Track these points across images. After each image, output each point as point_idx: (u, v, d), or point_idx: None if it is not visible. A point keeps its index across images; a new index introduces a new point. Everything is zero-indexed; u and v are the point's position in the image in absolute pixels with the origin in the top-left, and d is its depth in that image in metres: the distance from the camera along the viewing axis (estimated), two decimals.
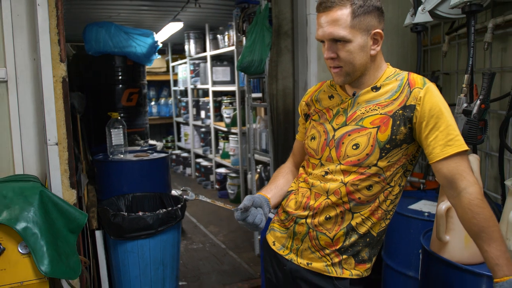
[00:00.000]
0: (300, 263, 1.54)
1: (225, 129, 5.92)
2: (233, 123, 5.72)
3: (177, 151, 7.87)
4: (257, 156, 4.18)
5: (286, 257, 1.58)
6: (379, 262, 2.45)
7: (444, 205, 1.69)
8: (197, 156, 7.13)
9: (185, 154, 7.53)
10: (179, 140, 8.05)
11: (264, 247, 1.72)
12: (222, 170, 6.11)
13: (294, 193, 1.61)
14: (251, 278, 3.44)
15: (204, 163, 6.74)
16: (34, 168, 2.54)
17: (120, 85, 4.51)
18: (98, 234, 2.92)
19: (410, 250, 2.23)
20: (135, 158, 3.52)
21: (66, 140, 2.55)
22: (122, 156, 3.58)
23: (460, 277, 1.62)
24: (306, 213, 1.52)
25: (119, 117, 3.64)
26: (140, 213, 2.88)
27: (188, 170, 7.33)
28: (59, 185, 2.48)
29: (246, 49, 3.55)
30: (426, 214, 2.23)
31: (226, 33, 5.64)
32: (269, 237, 1.68)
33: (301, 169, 1.65)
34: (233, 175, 5.67)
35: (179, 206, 2.97)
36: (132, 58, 4.55)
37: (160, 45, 4.74)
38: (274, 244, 1.64)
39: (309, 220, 1.51)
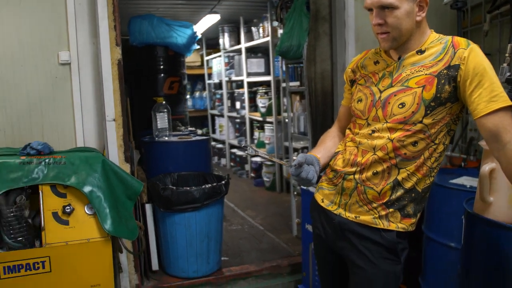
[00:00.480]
0: (348, 216, 1.67)
1: (260, 119, 6.07)
2: (268, 112, 5.86)
3: (212, 143, 8.07)
4: (293, 144, 4.31)
5: (335, 212, 1.71)
6: (419, 239, 2.55)
7: (488, 166, 1.74)
8: (232, 146, 7.31)
9: (219, 145, 7.71)
10: (213, 132, 8.24)
11: (312, 206, 1.86)
12: (257, 158, 6.26)
13: (341, 153, 1.74)
14: (290, 255, 3.57)
15: (239, 153, 6.91)
16: (93, 143, 2.75)
17: (162, 74, 4.73)
18: (148, 207, 3.12)
19: (451, 221, 2.27)
20: (180, 140, 3.71)
21: (121, 117, 2.77)
22: (166, 138, 3.77)
23: (506, 236, 1.66)
24: (354, 169, 1.64)
25: (163, 102, 3.84)
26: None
27: (223, 161, 7.52)
28: (116, 159, 2.69)
29: (285, 35, 3.69)
30: (468, 186, 2.27)
31: (261, 24, 5.79)
32: (317, 196, 1.81)
33: (347, 130, 1.78)
34: (269, 163, 5.81)
35: (223, 182, 3.14)
36: (173, 48, 4.76)
37: (199, 36, 4.94)
38: (322, 201, 1.77)
39: (357, 176, 1.64)
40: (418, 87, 1.52)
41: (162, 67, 4.73)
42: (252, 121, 6.54)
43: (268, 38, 5.46)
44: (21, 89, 2.61)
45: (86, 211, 2.22)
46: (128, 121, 3.77)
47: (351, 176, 1.65)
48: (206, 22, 6.18)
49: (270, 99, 5.84)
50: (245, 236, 4.13)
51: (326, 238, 1.76)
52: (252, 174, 6.35)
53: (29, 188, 2.17)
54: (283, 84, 4.85)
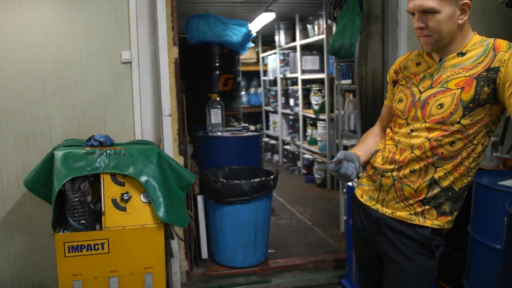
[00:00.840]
0: (385, 212, 1.72)
1: (313, 116, 6.12)
2: (321, 109, 5.91)
3: (266, 139, 8.20)
4: (344, 142, 4.35)
5: (373, 207, 1.77)
6: (464, 240, 2.53)
7: None
8: (285, 143, 7.41)
9: (273, 141, 7.83)
10: (267, 128, 8.38)
11: (352, 201, 1.93)
12: (309, 155, 6.31)
13: (381, 151, 1.79)
14: (336, 251, 3.63)
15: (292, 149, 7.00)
16: (150, 136, 2.95)
17: (217, 71, 4.90)
18: (200, 198, 3.29)
19: (497, 223, 2.24)
20: (232, 135, 3.86)
21: (176, 112, 2.94)
22: (220, 133, 3.93)
23: None
24: (392, 166, 1.70)
25: (218, 98, 4.00)
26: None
27: (276, 157, 7.63)
28: (170, 152, 2.87)
29: (337, 34, 3.73)
30: None
31: (316, 22, 5.83)
32: (357, 191, 1.88)
33: (388, 129, 1.83)
34: (320, 160, 5.85)
35: (272, 177, 3.25)
36: (228, 46, 4.92)
37: (254, 34, 5.06)
38: (362, 197, 1.84)
39: (394, 173, 1.69)
40: (457, 89, 1.55)
41: (217, 64, 4.91)
42: (305, 118, 6.60)
43: (323, 36, 5.50)
44: (87, 86, 2.85)
45: (142, 199, 2.40)
46: (183, 117, 3.97)
47: (389, 173, 1.70)
48: (262, 20, 6.30)
49: (323, 96, 5.88)
50: (292, 230, 4.22)
51: (364, 232, 1.83)
52: (304, 171, 6.42)
53: (92, 176, 2.38)
54: (336, 82, 4.89)
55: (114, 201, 2.36)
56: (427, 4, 1.53)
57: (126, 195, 2.36)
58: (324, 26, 5.38)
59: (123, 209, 2.36)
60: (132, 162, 2.42)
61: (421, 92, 1.66)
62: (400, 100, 1.74)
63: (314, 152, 1.79)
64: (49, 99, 2.81)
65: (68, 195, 2.27)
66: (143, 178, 2.39)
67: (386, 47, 3.35)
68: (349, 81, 4.14)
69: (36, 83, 2.79)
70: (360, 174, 1.87)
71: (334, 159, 1.69)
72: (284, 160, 7.29)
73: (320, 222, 4.40)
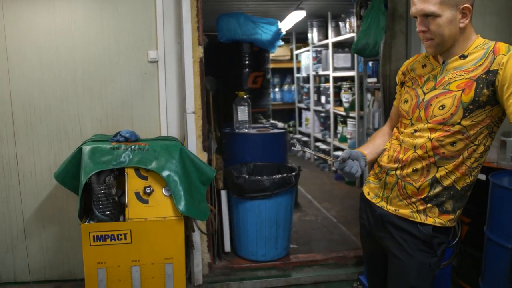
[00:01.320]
0: (389, 209, 1.77)
1: (344, 113, 6.13)
2: (351, 107, 5.91)
3: (298, 135, 8.25)
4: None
5: (378, 204, 1.82)
6: (481, 239, 2.53)
7: None
8: (316, 140, 7.44)
9: (305, 138, 7.87)
10: (300, 125, 8.42)
11: (360, 198, 1.98)
12: (340, 152, 6.34)
13: (387, 150, 1.84)
14: (358, 248, 3.66)
15: (323, 146, 7.03)
16: (175, 132, 3.07)
17: (247, 69, 4.99)
18: (223, 193, 3.40)
19: None
20: (258, 132, 3.95)
21: (200, 110, 3.05)
22: (246, 130, 4.03)
23: None
24: (396, 165, 1.75)
25: (245, 96, 4.09)
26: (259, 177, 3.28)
27: (307, 154, 7.67)
28: (194, 148, 2.98)
29: (362, 33, 3.74)
30: None
31: (347, 20, 5.83)
32: (365, 189, 1.93)
33: (395, 129, 1.88)
34: (326, 159, 5.84)
35: (293, 174, 3.32)
36: (258, 45, 5.00)
37: (284, 33, 5.13)
38: (368, 194, 1.89)
39: (398, 172, 1.74)
40: (458, 91, 1.58)
41: (247, 62, 5.00)
42: (336, 115, 6.61)
43: (354, 34, 5.49)
44: (115, 85, 3.01)
45: (164, 192, 2.53)
46: (209, 114, 4.10)
47: (393, 172, 1.75)
48: (293, 18, 6.35)
49: (353, 94, 5.88)
50: (317, 226, 4.27)
51: (370, 228, 1.88)
52: (334, 168, 6.42)
53: (117, 170, 2.53)
54: (364, 80, 4.89)
55: (137, 194, 2.49)
56: (428, 8, 1.57)
57: (148, 188, 2.50)
58: (355, 25, 5.37)
59: (146, 201, 2.49)
60: (155, 157, 2.55)
61: (425, 94, 1.70)
62: (406, 101, 1.78)
63: (319, 152, 1.85)
64: (79, 97, 2.98)
65: (94, 187, 2.43)
66: (165, 173, 2.52)
67: (409, 47, 3.34)
68: (375, 80, 4.14)
69: (67, 83, 2.97)
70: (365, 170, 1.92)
71: (339, 158, 1.76)
72: (315, 157, 7.32)
73: (345, 219, 4.43)
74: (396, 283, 1.78)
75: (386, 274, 1.87)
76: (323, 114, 7.19)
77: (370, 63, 4.84)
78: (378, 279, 1.98)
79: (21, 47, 2.91)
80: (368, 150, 1.89)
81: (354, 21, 5.52)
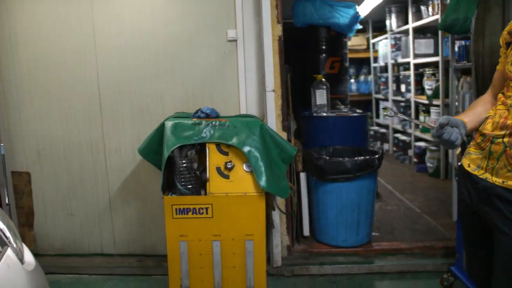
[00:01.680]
0: (495, 181, 1.59)
1: (426, 102, 5.80)
2: (434, 95, 5.58)
3: (375, 127, 7.96)
4: None
5: (481, 176, 1.65)
6: None
7: None
8: (395, 131, 7.13)
9: (383, 130, 7.58)
10: (377, 116, 8.13)
11: (459, 172, 1.81)
12: (421, 143, 6.03)
13: (491, 117, 1.66)
14: (446, 239, 3.43)
15: (402, 137, 6.72)
16: (254, 111, 3.04)
17: (324, 54, 4.85)
18: (303, 175, 3.31)
19: None
20: (337, 115, 3.82)
21: (280, 89, 2.99)
22: (325, 114, 3.91)
23: None
24: (503, 132, 1.57)
25: (323, 79, 3.97)
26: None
27: (386, 146, 7.37)
28: (274, 127, 2.93)
29: (450, 8, 3.50)
30: None
31: (430, 2, 5.51)
32: (464, 161, 1.76)
33: (500, 94, 1.69)
34: (433, 148, 5.55)
35: (377, 156, 3.16)
36: (335, 29, 4.84)
37: (362, 16, 4.93)
38: (469, 166, 1.72)
39: (506, 139, 1.55)
40: None
41: (324, 47, 4.86)
42: (417, 104, 6.28)
43: (438, 16, 5.18)
44: (195, 65, 3.03)
45: (244, 168, 2.49)
46: (288, 95, 4.02)
47: (500, 140, 1.58)
48: (371, 2, 6.11)
49: (437, 81, 5.55)
50: (399, 216, 4.06)
51: (471, 203, 1.71)
52: (415, 159, 6.13)
53: (199, 145, 2.53)
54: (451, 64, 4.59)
55: (218, 169, 2.48)
56: None
57: (229, 163, 2.47)
58: (439, 6, 5.06)
59: (227, 177, 2.47)
60: (235, 133, 2.52)
61: None
62: None
63: (416, 120, 1.71)
64: (161, 77, 3.04)
65: (176, 161, 2.44)
66: (246, 148, 2.47)
67: (507, 19, 3.06)
68: (464, 62, 3.86)
69: (149, 63, 3.04)
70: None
71: (436, 124, 1.61)
72: (394, 149, 7.02)
73: (430, 210, 4.18)
74: (505, 261, 1.59)
75: (487, 254, 1.69)
76: (403, 104, 6.87)
77: (456, 47, 4.53)
78: (478, 258, 1.80)
79: (106, 30, 3.02)
80: (469, 118, 1.72)
81: (438, 3, 5.20)
